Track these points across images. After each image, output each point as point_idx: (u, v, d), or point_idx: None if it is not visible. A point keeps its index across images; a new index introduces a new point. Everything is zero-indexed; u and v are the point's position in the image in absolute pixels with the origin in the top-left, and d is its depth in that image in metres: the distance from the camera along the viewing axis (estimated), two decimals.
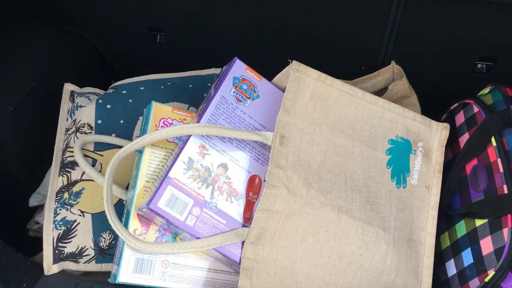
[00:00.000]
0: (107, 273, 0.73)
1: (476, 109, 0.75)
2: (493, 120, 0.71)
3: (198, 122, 0.69)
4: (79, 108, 0.86)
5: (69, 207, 0.77)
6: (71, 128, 0.85)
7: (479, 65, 0.86)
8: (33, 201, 0.88)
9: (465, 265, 0.67)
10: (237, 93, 0.72)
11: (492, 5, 0.74)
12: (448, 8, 0.76)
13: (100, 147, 0.82)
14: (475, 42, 0.82)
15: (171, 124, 0.73)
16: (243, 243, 0.65)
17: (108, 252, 0.75)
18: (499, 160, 0.68)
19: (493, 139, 0.70)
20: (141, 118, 0.85)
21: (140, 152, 0.71)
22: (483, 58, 0.85)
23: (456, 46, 0.84)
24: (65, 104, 0.89)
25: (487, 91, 0.76)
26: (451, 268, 0.70)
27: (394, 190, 0.71)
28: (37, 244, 0.83)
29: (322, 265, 0.65)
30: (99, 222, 0.76)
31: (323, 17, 0.83)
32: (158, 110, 0.73)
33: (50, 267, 0.73)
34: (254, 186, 0.70)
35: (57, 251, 0.74)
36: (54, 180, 0.80)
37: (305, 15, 0.83)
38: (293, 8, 0.82)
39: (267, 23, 0.87)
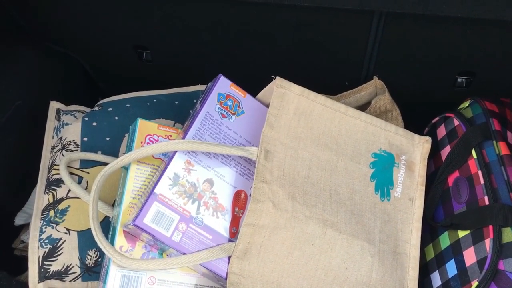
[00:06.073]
0: None
1: (456, 122, 0.76)
2: (473, 133, 0.72)
3: (183, 138, 0.69)
4: (65, 126, 0.86)
5: (54, 225, 0.77)
6: (57, 146, 0.85)
7: (459, 79, 0.88)
8: (18, 220, 0.88)
9: (450, 276, 0.68)
10: (222, 109, 0.72)
11: (468, 21, 0.76)
12: (427, 24, 0.78)
13: (86, 164, 0.82)
14: (454, 57, 0.84)
15: (157, 140, 0.74)
16: (229, 258, 0.65)
17: (94, 269, 0.75)
18: (479, 172, 0.69)
19: (473, 152, 0.71)
20: (127, 135, 0.85)
21: (126, 168, 0.71)
22: (462, 73, 0.87)
23: (436, 62, 0.85)
24: (50, 122, 0.89)
25: (467, 104, 0.78)
26: (436, 280, 0.70)
27: (378, 203, 0.72)
28: (22, 263, 0.82)
29: (308, 279, 0.65)
30: (85, 239, 0.76)
31: (306, 34, 0.84)
32: (144, 127, 0.74)
33: (35, 286, 0.72)
34: (240, 201, 0.70)
35: (42, 270, 0.74)
36: (39, 198, 0.80)
37: (289, 32, 0.85)
38: (277, 25, 0.84)
39: (251, 40, 0.88)
